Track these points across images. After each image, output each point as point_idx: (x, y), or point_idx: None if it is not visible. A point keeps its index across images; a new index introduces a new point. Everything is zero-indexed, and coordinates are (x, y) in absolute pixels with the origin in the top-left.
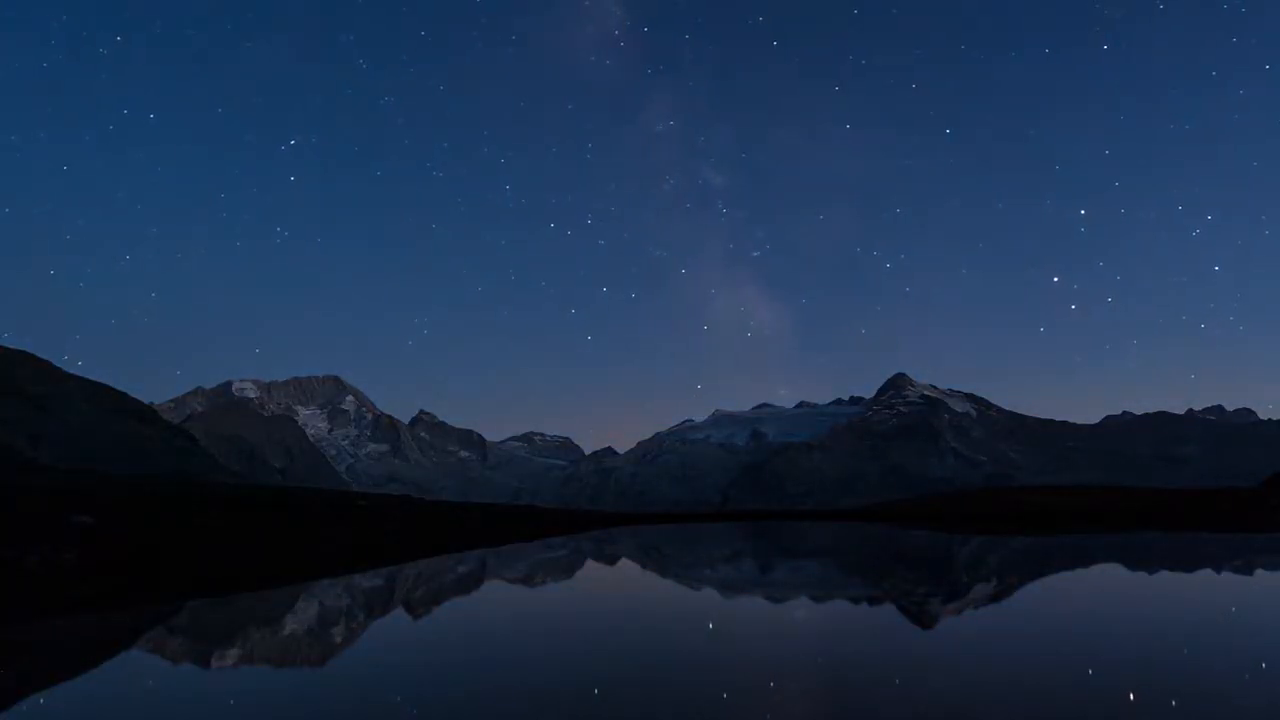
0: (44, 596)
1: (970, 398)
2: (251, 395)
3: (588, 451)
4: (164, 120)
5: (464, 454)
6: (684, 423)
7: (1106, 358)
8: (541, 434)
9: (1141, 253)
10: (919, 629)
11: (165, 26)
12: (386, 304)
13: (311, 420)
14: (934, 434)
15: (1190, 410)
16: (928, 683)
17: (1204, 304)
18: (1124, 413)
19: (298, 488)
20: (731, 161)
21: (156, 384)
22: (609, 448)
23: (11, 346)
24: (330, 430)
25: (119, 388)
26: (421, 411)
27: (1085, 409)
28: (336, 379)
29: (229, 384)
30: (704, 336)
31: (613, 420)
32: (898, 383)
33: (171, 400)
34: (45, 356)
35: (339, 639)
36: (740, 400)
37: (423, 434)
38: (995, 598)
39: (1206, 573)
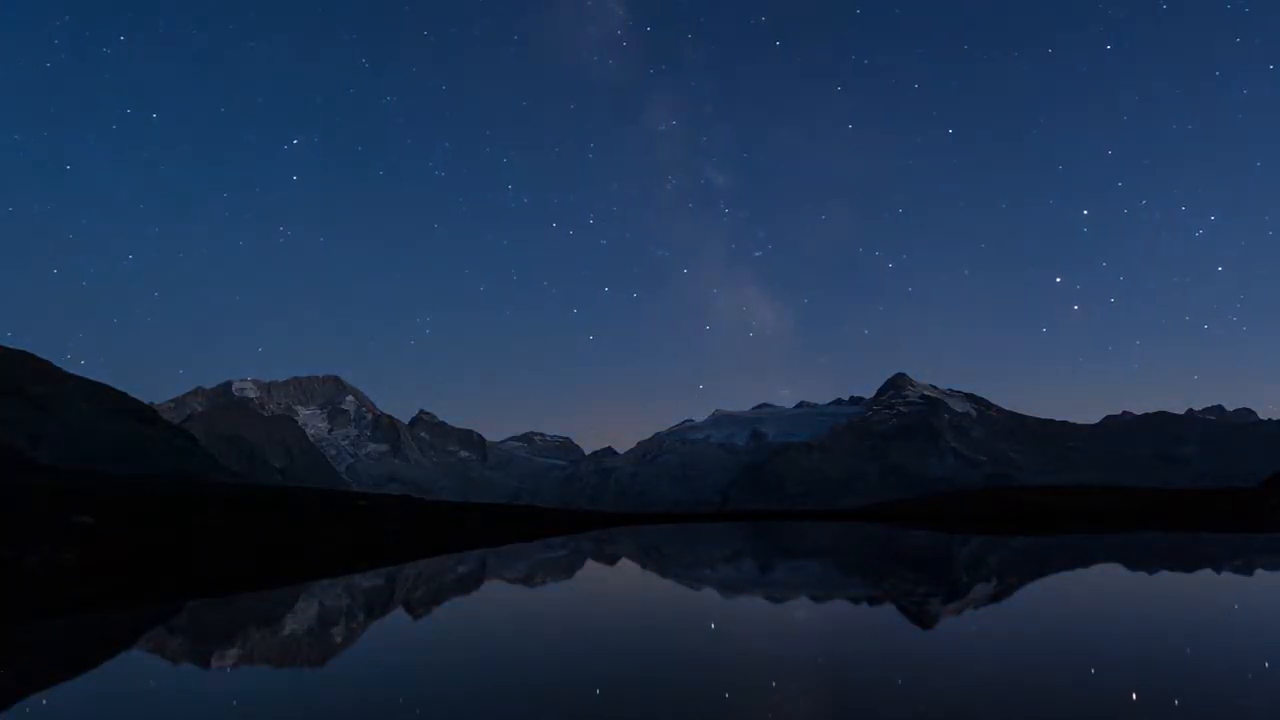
0: (44, 596)
1: (970, 398)
2: (251, 395)
3: (588, 451)
4: (166, 120)
5: (464, 454)
6: (684, 423)
7: (1108, 358)
8: (541, 434)
9: (1144, 253)
10: (919, 629)
11: (168, 26)
12: (388, 304)
13: (311, 420)
14: (934, 434)
15: (1190, 410)
16: (928, 683)
17: (1207, 304)
18: (1124, 413)
19: (298, 488)
20: (733, 161)
21: (157, 384)
22: (609, 448)
23: (12, 346)
24: (330, 430)
25: (120, 387)
26: (421, 411)
27: (1085, 409)
28: (336, 379)
29: (229, 384)
30: (705, 336)
31: (613, 420)
32: (898, 383)
33: (171, 400)
34: (48, 355)
35: (339, 639)
36: (741, 400)
37: (423, 434)
38: (995, 598)
39: (1206, 573)
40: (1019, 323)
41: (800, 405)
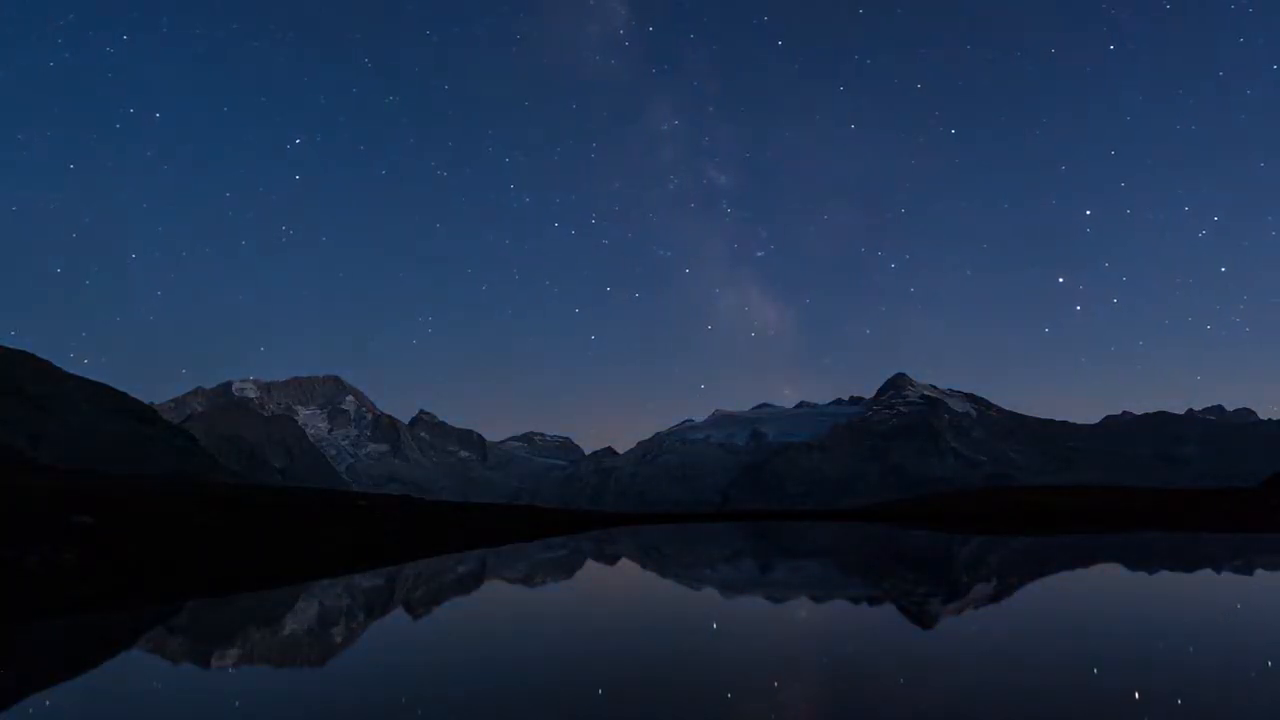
0: (44, 596)
1: (970, 398)
2: (251, 395)
3: (588, 451)
4: (169, 119)
5: (464, 454)
6: (684, 423)
7: (1110, 359)
8: (541, 434)
9: (1147, 253)
10: (919, 629)
11: (171, 26)
12: (390, 303)
13: (311, 420)
14: (934, 434)
15: (1190, 410)
16: (928, 683)
17: (1210, 305)
18: (1124, 413)
19: (298, 488)
20: (735, 161)
21: (159, 383)
22: (609, 448)
23: (12, 346)
24: (330, 430)
25: (122, 387)
26: (421, 411)
27: (1086, 409)
28: (336, 379)
29: (229, 384)
30: (706, 336)
31: (613, 420)
32: (898, 383)
33: (171, 400)
34: (49, 354)
35: (339, 639)
36: (742, 400)
37: (423, 434)
38: (995, 598)
39: (1206, 573)
40: (1020, 323)
41: (800, 405)
